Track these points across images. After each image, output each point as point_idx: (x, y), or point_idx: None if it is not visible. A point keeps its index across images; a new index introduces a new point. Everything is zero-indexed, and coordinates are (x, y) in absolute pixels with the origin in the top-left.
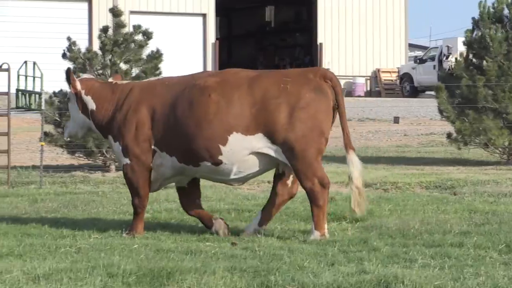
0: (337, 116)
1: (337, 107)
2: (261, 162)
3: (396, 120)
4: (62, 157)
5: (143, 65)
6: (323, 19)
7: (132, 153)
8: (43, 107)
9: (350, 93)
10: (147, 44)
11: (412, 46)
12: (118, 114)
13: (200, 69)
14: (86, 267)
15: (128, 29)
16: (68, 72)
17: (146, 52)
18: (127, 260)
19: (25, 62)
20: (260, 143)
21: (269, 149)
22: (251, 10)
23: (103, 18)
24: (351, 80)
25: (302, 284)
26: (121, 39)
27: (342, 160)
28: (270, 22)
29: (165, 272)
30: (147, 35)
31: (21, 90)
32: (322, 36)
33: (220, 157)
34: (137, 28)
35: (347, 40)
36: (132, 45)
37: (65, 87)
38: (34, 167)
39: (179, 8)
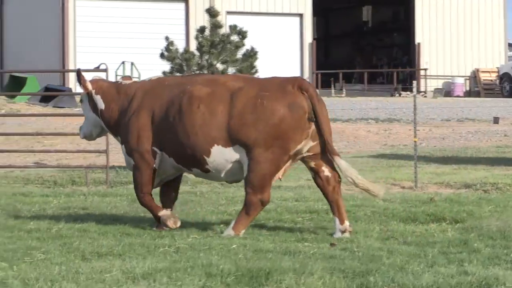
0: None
1: (314, 118)
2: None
3: (495, 120)
4: None
5: (239, 65)
6: (421, 19)
7: (136, 153)
8: None
9: (449, 93)
10: (243, 44)
11: None
12: (123, 117)
13: (297, 70)
14: (185, 267)
15: (225, 29)
16: (78, 73)
17: (241, 52)
18: (225, 260)
19: (123, 62)
20: (237, 154)
21: (244, 160)
22: (348, 10)
23: (200, 19)
24: (449, 80)
25: (401, 286)
26: (218, 39)
27: (442, 160)
28: (368, 22)
29: (264, 272)
30: (242, 34)
31: None
32: (420, 35)
33: (206, 166)
34: (233, 28)
35: (445, 40)
36: (228, 45)
37: None
38: None
39: (276, 8)
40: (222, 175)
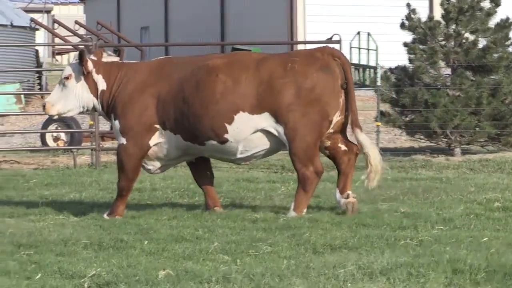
0: None
1: (346, 85)
2: (267, 141)
3: None
4: (400, 139)
5: (491, 35)
6: None
7: (130, 133)
8: (378, 83)
9: None
10: (495, 12)
11: None
12: (122, 92)
13: None
14: (428, 262)
15: None
16: (81, 52)
17: (493, 21)
18: (475, 255)
19: (358, 33)
20: (265, 122)
21: (273, 129)
22: None
23: None
24: None
25: None
26: (467, 6)
27: None
28: None
29: None
30: (495, 1)
31: (354, 64)
32: None
33: (226, 136)
34: None
35: None
36: (479, 13)
37: (402, 61)
38: None
39: None
40: (240, 146)
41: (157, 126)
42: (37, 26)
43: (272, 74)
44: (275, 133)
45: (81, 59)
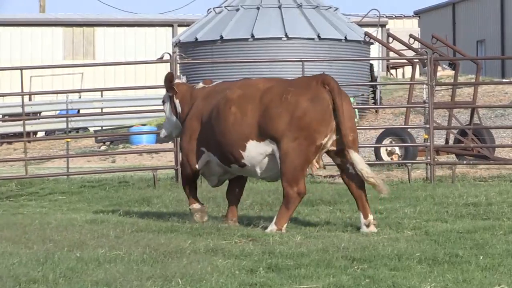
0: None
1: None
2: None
3: None
4: None
5: None
6: None
7: (184, 151)
8: None
9: None
10: None
11: None
12: (185, 117)
13: None
14: None
15: None
16: (169, 77)
17: None
18: None
19: None
20: (269, 147)
21: (276, 152)
22: None
23: None
24: None
25: None
26: None
27: None
28: None
29: None
30: None
31: None
32: None
33: (243, 161)
34: None
35: None
36: None
37: None
38: None
39: None
40: (257, 169)
41: (202, 148)
42: (371, 40)
43: (270, 104)
44: (277, 156)
45: (166, 83)
